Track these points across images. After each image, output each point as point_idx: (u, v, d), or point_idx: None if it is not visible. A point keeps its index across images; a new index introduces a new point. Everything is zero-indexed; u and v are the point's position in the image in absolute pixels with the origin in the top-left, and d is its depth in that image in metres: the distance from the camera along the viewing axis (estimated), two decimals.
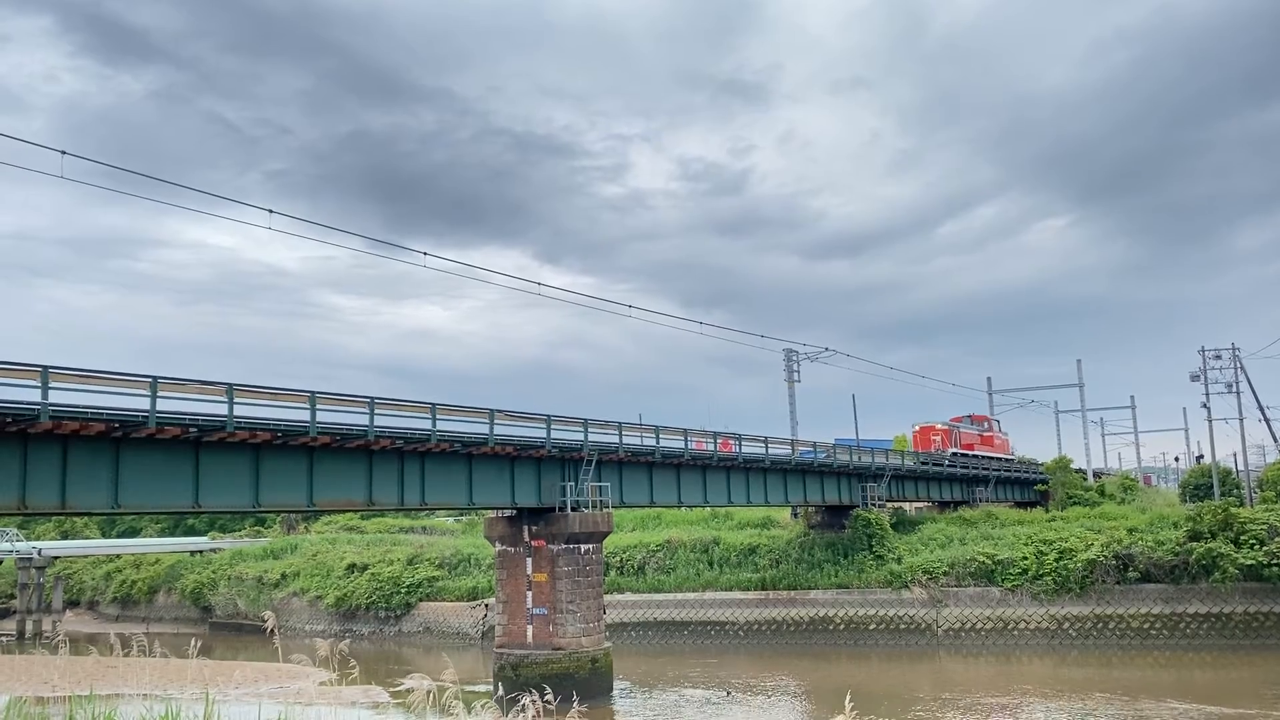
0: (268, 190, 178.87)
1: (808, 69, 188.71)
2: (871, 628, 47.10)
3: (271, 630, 11.16)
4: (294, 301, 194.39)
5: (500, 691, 31.74)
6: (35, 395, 21.06)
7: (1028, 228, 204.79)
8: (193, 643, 12.67)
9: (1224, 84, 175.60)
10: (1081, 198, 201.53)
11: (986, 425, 70.26)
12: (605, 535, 36.07)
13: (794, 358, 60.23)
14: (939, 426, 62.28)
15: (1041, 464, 75.20)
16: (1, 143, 21.33)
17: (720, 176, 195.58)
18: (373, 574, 59.66)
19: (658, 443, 37.92)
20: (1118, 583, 44.78)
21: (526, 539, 34.75)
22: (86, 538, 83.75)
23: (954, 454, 60.93)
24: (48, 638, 59.25)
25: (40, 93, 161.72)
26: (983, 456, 65.43)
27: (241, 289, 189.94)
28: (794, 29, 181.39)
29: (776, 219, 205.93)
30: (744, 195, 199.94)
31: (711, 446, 41.02)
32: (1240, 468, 69.84)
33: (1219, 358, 62.36)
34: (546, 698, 10.46)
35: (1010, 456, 72.31)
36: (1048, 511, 58.62)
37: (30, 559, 64.72)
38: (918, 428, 62.55)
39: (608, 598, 42.43)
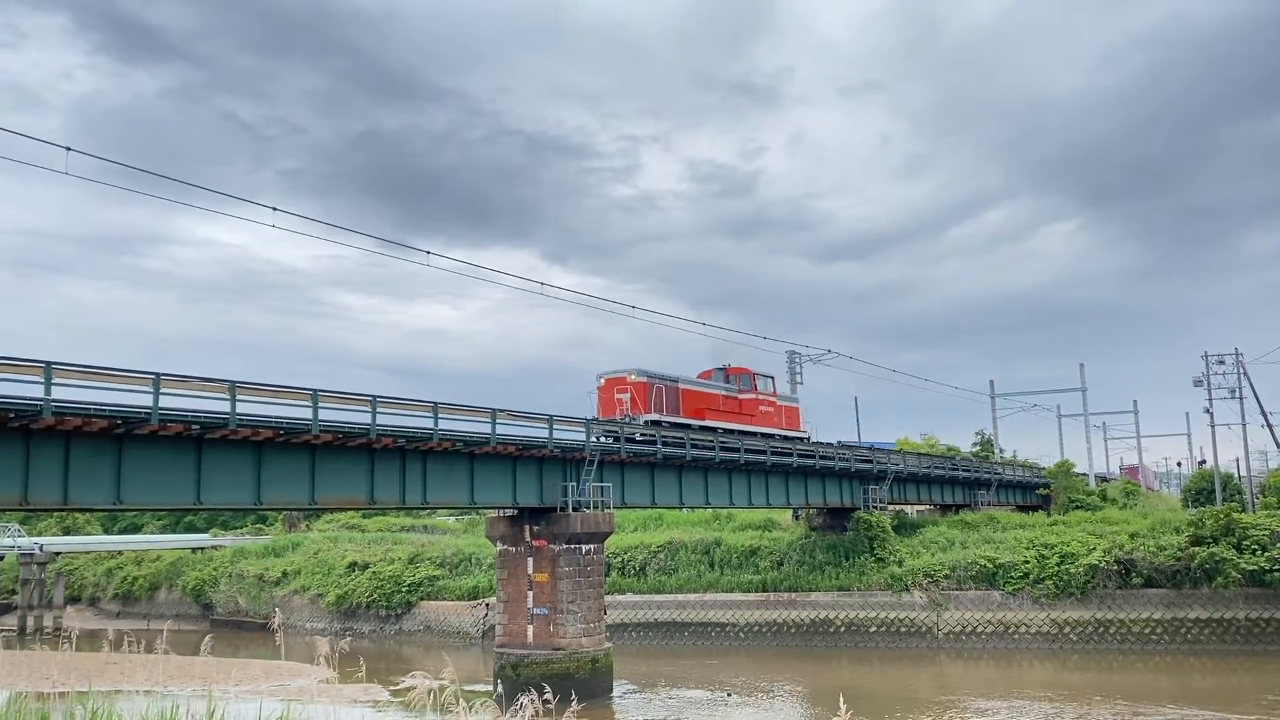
0: (280, 189, 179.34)
1: (820, 72, 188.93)
2: (872, 630, 47.05)
3: (277, 628, 11.18)
4: (303, 300, 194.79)
5: (500, 690, 31.69)
6: (38, 391, 21.08)
7: (1036, 231, 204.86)
8: (204, 640, 12.69)
9: (1234, 89, 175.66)
10: (1091, 202, 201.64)
11: (747, 384, 45.65)
12: (606, 536, 36.05)
13: (797, 359, 60.19)
14: (631, 379, 38.69)
15: (1044, 468, 75.19)
16: (10, 140, 21.36)
17: (730, 178, 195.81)
18: (374, 572, 59.69)
19: (659, 443, 37.87)
20: (1119, 587, 44.70)
21: (528, 539, 34.73)
22: (88, 534, 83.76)
23: (653, 423, 38.23)
24: (49, 633, 59.38)
25: (57, 90, 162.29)
26: (731, 431, 42.33)
27: (251, 287, 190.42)
28: (806, 32, 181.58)
29: (785, 221, 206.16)
30: (753, 197, 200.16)
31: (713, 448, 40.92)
32: (1243, 473, 69.89)
33: (1222, 363, 62.39)
34: (546, 697, 10.46)
35: (799, 434, 48.07)
36: (1049, 515, 58.61)
37: (32, 554, 64.80)
38: (603, 380, 39.43)
39: (609, 598, 42.41)
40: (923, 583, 47.64)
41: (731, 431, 42.26)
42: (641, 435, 37.16)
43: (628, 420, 37.42)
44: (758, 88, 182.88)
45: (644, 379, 39.04)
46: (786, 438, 46.23)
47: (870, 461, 51.47)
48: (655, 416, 38.64)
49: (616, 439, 36.15)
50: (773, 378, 47.84)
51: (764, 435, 44.53)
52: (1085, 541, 46.79)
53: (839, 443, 53.39)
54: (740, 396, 44.99)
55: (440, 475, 31.29)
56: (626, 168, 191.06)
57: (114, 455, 23.64)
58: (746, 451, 41.66)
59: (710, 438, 40.34)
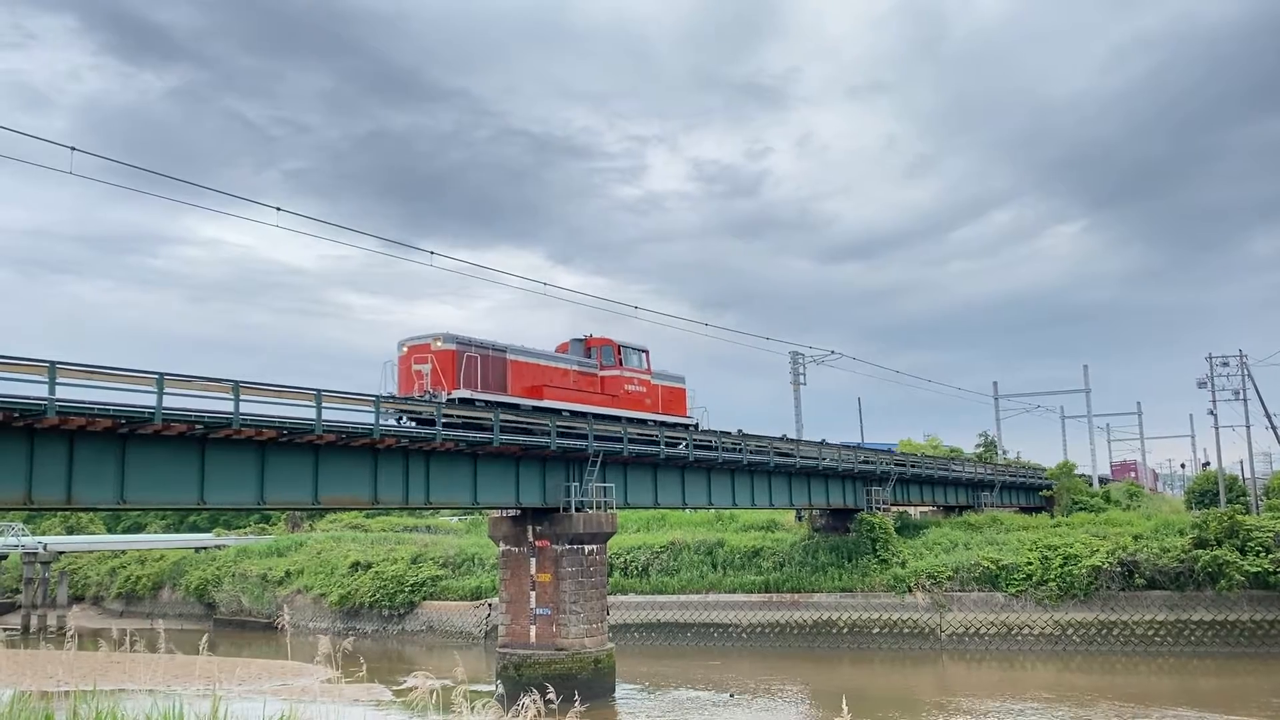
0: (286, 189, 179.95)
1: (826, 73, 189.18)
2: (875, 631, 47.01)
3: (283, 628, 11.23)
4: (308, 300, 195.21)
5: (502, 690, 31.57)
6: (42, 390, 21.08)
7: (1041, 233, 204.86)
8: (202, 639, 12.75)
9: (1240, 90, 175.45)
10: (1096, 203, 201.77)
11: (609, 358, 38.29)
12: (609, 536, 36.05)
13: (800, 360, 60.17)
14: (436, 346, 31.77)
15: (1046, 469, 75.08)
16: (15, 139, 21.39)
17: (736, 179, 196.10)
18: (376, 572, 59.72)
19: (662, 444, 37.86)
20: (1122, 589, 44.64)
21: (530, 539, 34.74)
22: (92, 533, 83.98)
23: (463, 401, 30.97)
24: (52, 632, 59.48)
25: (64, 91, 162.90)
26: (581, 414, 34.95)
27: (256, 287, 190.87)
28: (813, 33, 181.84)
29: (791, 222, 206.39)
30: (759, 198, 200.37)
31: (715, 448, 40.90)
32: (1247, 475, 69.73)
33: (1226, 365, 62.16)
34: (548, 697, 10.47)
35: (683, 420, 40.39)
36: (1053, 517, 58.52)
37: (36, 554, 64.94)
38: (405, 348, 32.45)
39: (611, 599, 42.43)
40: (925, 584, 47.60)
41: (582, 415, 35.06)
42: (454, 417, 30.02)
43: (428, 397, 30.71)
44: (764, 88, 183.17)
45: (453, 346, 31.84)
46: (663, 424, 38.84)
47: (873, 463, 51.44)
48: (468, 393, 31.33)
49: (417, 420, 30.00)
50: (645, 352, 39.68)
51: (631, 420, 37.34)
52: (1088, 543, 46.73)
53: (856, 444, 53.31)
54: (601, 374, 37.89)
55: (443, 475, 31.27)
56: (632, 168, 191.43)
57: (117, 455, 23.66)
58: (750, 452, 41.44)
59: (524, 420, 32.46)
